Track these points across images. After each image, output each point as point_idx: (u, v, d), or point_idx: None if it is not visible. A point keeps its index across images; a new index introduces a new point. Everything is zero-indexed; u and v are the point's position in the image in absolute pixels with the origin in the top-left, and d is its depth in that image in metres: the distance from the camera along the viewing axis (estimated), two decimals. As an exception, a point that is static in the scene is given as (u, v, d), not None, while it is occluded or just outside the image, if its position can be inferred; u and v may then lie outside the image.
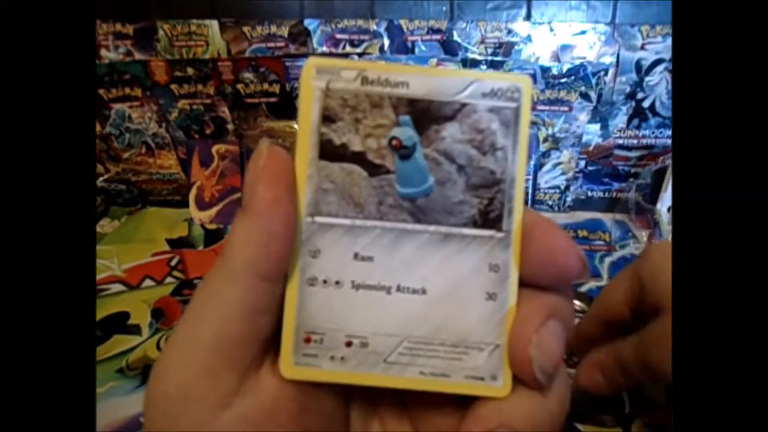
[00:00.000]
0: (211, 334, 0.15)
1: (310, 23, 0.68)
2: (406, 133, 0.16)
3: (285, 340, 0.16)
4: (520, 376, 0.16)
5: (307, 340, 0.16)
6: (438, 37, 0.67)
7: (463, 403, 0.17)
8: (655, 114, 0.66)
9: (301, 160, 0.16)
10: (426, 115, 0.16)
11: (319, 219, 0.16)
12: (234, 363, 0.15)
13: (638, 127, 0.67)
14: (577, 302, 0.49)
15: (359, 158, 0.16)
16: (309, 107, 0.16)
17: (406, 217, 0.16)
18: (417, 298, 0.16)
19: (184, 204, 0.71)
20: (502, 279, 0.16)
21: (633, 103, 0.66)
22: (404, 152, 0.16)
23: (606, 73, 0.64)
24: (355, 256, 0.16)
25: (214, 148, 0.71)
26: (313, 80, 0.16)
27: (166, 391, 0.15)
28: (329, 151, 0.16)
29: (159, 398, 0.15)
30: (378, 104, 0.16)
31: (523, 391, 0.16)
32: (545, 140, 0.68)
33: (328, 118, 0.16)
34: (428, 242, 0.16)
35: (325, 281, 0.16)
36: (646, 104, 0.66)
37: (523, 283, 0.16)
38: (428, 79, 0.16)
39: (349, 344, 0.16)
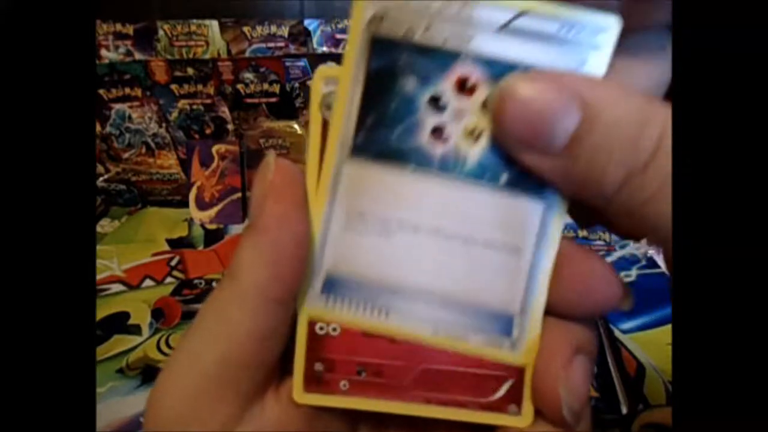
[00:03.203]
0: (214, 357, 0.14)
1: (310, 23, 0.68)
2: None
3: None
4: (546, 414, 0.15)
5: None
6: (438, 37, 0.67)
7: (477, 425, 0.16)
8: (655, 114, 0.66)
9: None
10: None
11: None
12: (238, 388, 0.15)
13: (638, 127, 0.67)
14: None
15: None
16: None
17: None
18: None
19: (184, 204, 0.71)
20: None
21: (633, 103, 0.66)
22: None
23: (606, 73, 0.64)
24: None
25: (214, 148, 0.71)
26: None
27: (166, 416, 0.14)
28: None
29: (159, 422, 0.15)
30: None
31: (546, 422, 0.15)
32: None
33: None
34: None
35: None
36: (646, 104, 0.66)
37: (550, 312, 0.15)
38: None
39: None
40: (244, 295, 0.14)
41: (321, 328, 0.16)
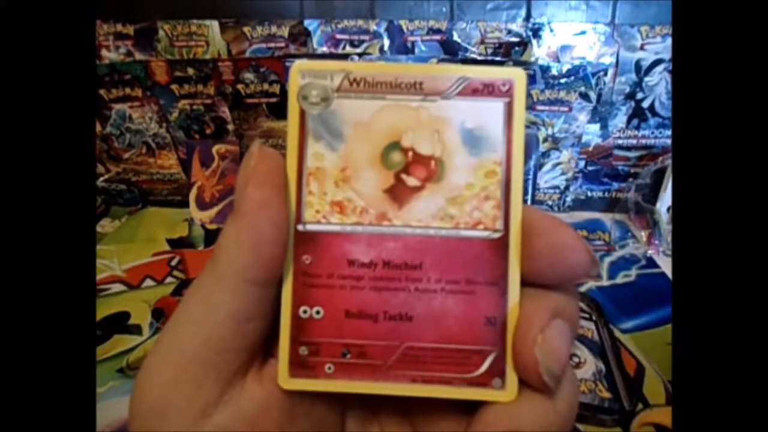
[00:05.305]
0: (195, 340, 0.15)
1: (310, 23, 0.68)
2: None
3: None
4: (526, 379, 0.15)
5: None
6: (438, 37, 0.67)
7: (467, 406, 0.16)
8: (655, 114, 0.66)
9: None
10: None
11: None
12: (218, 371, 0.15)
13: (638, 128, 0.67)
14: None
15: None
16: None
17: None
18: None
19: (185, 204, 0.71)
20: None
21: (632, 104, 0.66)
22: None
23: (606, 74, 0.64)
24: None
25: (215, 148, 0.71)
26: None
27: (147, 401, 0.15)
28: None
29: (140, 409, 0.15)
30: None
31: (531, 394, 0.15)
32: (545, 140, 0.68)
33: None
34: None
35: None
36: (645, 104, 0.66)
37: (528, 283, 0.16)
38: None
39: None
40: (224, 277, 0.15)
41: (305, 312, 0.16)
